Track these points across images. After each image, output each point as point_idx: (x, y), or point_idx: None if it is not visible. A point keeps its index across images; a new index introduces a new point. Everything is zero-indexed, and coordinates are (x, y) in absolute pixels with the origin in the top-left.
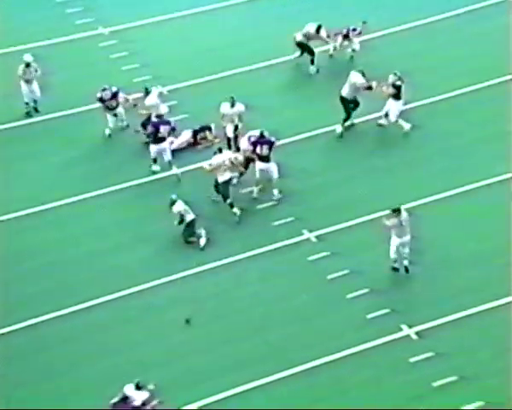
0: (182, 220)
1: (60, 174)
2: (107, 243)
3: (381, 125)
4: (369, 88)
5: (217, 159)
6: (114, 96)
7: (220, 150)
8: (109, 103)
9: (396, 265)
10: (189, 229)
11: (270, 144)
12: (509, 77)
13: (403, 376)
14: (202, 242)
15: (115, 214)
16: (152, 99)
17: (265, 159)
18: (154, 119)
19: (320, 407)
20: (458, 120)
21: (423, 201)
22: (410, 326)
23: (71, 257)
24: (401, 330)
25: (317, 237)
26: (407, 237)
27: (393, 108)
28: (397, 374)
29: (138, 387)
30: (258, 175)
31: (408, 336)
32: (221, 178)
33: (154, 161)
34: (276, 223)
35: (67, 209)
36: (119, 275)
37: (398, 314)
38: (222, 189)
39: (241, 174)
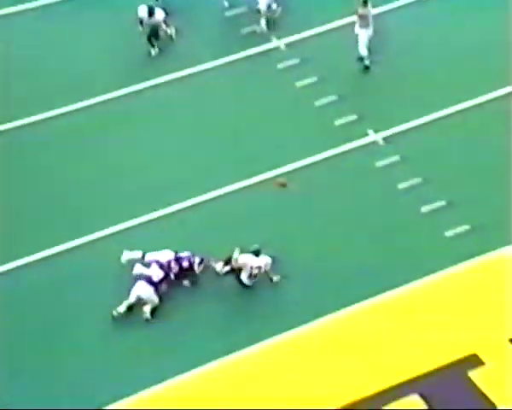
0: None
1: None
2: (76, 51)
3: None
4: None
5: None
6: None
7: None
8: None
9: (367, 62)
10: (156, 34)
11: None
12: None
13: (370, 179)
14: (153, 52)
15: (83, 23)
16: None
17: None
18: None
19: (291, 212)
20: None
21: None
22: (377, 131)
23: (46, 64)
24: (368, 135)
25: (286, 44)
26: (371, 30)
27: None
28: (364, 178)
29: (256, 254)
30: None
31: (375, 141)
32: None
33: None
34: (245, 31)
35: (35, 15)
36: (92, 82)
37: (365, 120)
38: None
39: None
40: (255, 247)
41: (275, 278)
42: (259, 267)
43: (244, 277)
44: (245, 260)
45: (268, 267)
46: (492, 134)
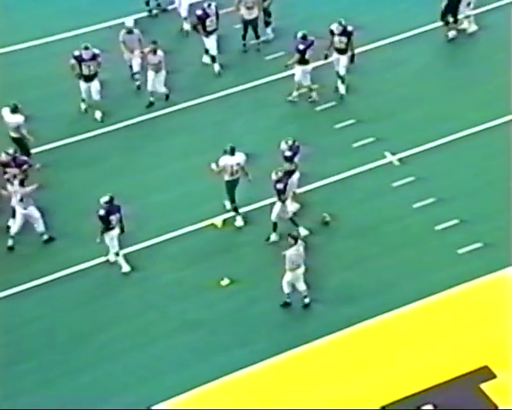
0: None
1: None
2: None
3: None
4: None
5: None
6: (94, 57)
7: None
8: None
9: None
10: None
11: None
12: None
13: (386, 198)
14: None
15: None
16: None
17: None
18: None
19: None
20: None
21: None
22: (394, 153)
23: None
24: (385, 157)
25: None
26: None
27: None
28: (380, 197)
29: (232, 152)
30: None
31: (391, 162)
32: None
33: None
34: (268, 58)
35: None
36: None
37: (381, 142)
38: None
39: None
40: (229, 145)
41: (250, 176)
42: (239, 164)
43: (227, 176)
44: (224, 161)
45: (244, 163)
46: (500, 156)
